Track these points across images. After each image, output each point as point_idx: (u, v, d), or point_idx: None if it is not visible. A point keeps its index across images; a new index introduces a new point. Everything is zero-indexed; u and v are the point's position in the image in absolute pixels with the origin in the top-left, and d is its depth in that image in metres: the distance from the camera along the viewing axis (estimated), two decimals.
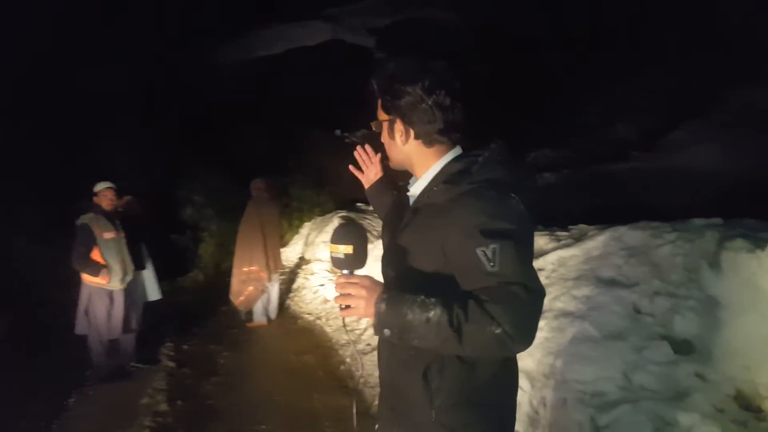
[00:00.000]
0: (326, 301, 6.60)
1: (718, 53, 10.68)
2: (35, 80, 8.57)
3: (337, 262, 1.29)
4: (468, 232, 1.15)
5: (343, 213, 8.99)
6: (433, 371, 1.25)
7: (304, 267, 8.32)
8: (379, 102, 1.37)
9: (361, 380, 3.90)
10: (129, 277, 4.73)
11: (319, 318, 6.18)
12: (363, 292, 1.19)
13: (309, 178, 11.86)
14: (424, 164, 1.35)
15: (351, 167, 1.73)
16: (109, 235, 4.51)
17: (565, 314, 2.61)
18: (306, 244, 9.04)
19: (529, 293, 1.11)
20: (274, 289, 6.49)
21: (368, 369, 4.10)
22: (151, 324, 5.90)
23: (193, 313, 7.03)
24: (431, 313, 1.11)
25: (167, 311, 6.69)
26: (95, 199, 4.60)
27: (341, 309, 1.23)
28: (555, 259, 3.18)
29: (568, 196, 8.26)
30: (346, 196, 11.14)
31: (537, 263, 3.31)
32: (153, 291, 5.65)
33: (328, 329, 5.74)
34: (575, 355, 2.34)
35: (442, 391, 1.25)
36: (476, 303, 1.10)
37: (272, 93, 14.03)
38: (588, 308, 2.53)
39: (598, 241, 3.02)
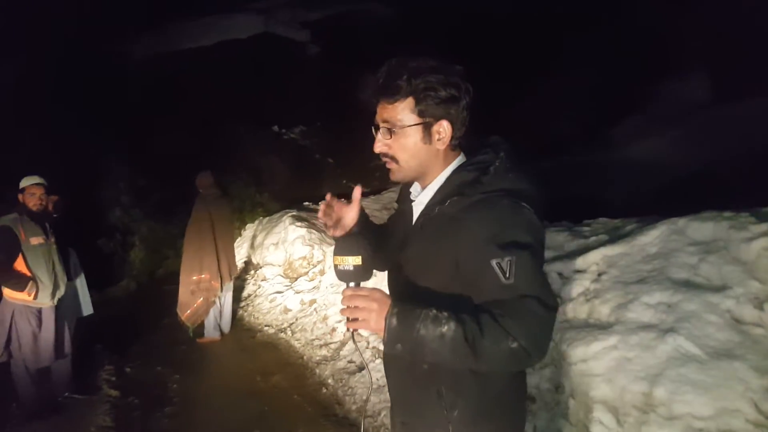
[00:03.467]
0: (287, 310, 6.01)
1: (640, 50, 11.09)
2: None
3: (344, 275, 1.21)
4: (482, 243, 1.13)
5: (293, 212, 8.39)
6: (447, 386, 1.23)
7: (253, 272, 7.65)
8: (411, 102, 1.21)
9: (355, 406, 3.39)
10: (61, 292, 3.95)
11: (282, 330, 5.58)
12: (374, 305, 1.13)
13: (248, 176, 11.20)
14: (437, 171, 1.28)
15: (330, 232, 1.42)
16: (36, 240, 3.74)
17: (644, 327, 2.24)
18: (253, 247, 8.35)
19: (543, 307, 1.10)
20: (227, 300, 5.80)
21: (359, 392, 3.61)
22: (85, 344, 5.09)
23: (131, 328, 6.20)
24: (445, 328, 1.08)
25: (101, 328, 5.85)
26: (20, 197, 3.79)
27: (348, 321, 1.17)
28: (599, 259, 2.82)
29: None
30: (286, 195, 10.62)
31: (576, 264, 2.98)
32: (86, 305, 4.88)
33: (296, 343, 5.16)
34: (679, 381, 1.88)
35: (458, 406, 1.23)
36: (491, 317, 1.08)
37: (201, 87, 13.15)
38: (675, 319, 2.16)
39: (652, 236, 2.67)
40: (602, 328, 2.42)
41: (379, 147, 1.27)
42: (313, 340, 5.03)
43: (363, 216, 1.43)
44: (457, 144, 1.27)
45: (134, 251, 8.89)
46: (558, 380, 2.57)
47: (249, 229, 9.37)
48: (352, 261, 1.20)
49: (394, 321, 1.12)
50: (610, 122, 11.38)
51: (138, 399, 4.24)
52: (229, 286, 5.78)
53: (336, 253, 1.22)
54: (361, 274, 1.20)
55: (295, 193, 10.72)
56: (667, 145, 9.34)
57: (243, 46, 16.00)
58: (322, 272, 6.33)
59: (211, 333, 5.64)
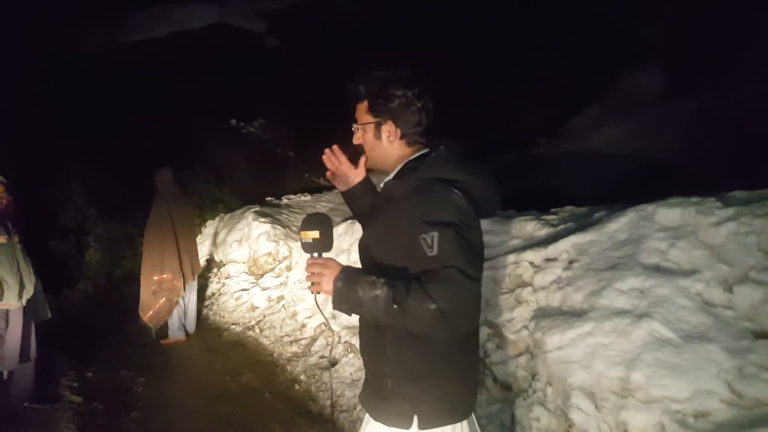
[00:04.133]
0: (254, 307, 5.91)
1: (596, 43, 11.37)
2: None
3: (306, 247, 1.47)
4: (413, 221, 1.31)
5: (256, 208, 8.23)
6: (391, 346, 1.41)
7: (216, 270, 7.48)
8: (366, 105, 1.48)
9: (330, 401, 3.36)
10: (29, 292, 3.81)
11: (249, 328, 5.48)
12: (326, 271, 1.37)
13: (207, 172, 10.94)
14: (397, 162, 1.49)
15: (328, 174, 1.67)
16: None
17: (619, 313, 2.28)
18: (215, 245, 8.16)
19: (463, 276, 1.25)
20: (191, 299, 5.66)
21: (333, 388, 3.58)
22: (44, 350, 4.86)
23: (90, 331, 5.97)
24: (378, 291, 1.28)
25: (59, 333, 5.60)
26: None
27: (310, 286, 1.43)
28: (569, 247, 2.87)
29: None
30: (248, 191, 10.43)
31: (546, 252, 3.02)
32: (43, 309, 4.64)
33: (265, 341, 5.08)
34: (656, 365, 1.95)
35: (398, 364, 1.41)
36: (417, 283, 1.25)
37: (154, 80, 12.71)
38: (648, 304, 2.20)
39: (621, 223, 2.72)
40: (577, 315, 2.47)
41: (354, 139, 1.54)
42: (283, 336, 4.96)
43: (368, 181, 1.66)
44: (415, 140, 1.48)
45: (90, 252, 8.52)
46: (534, 368, 2.61)
47: (210, 227, 9.16)
48: (311, 235, 1.46)
49: (339, 284, 1.35)
50: (570, 114, 11.63)
51: (102, 404, 4.09)
52: (192, 285, 5.63)
53: (301, 228, 1.50)
54: (320, 246, 1.46)
55: (257, 189, 10.52)
56: (624, 135, 9.63)
57: (196, 36, 15.51)
58: (288, 268, 6.24)
59: (175, 333, 5.49)
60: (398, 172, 1.48)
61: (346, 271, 1.37)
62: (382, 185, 1.53)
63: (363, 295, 1.30)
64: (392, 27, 14.34)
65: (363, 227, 1.64)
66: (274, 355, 4.73)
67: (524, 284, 3.08)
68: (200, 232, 9.20)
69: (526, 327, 2.82)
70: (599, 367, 2.16)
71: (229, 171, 11.53)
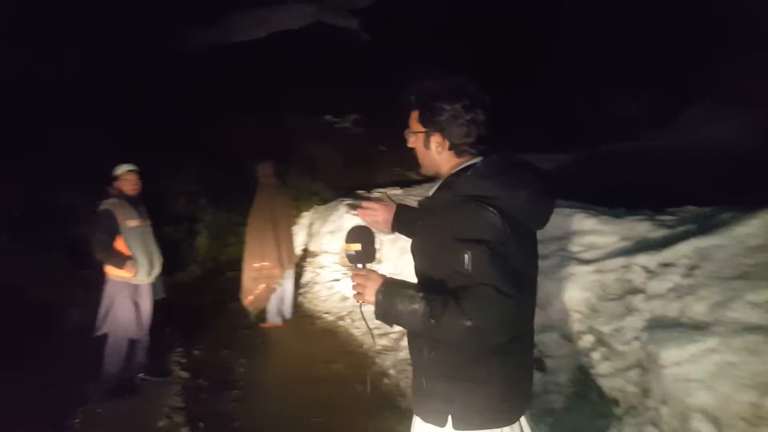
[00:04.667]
0: (345, 298, 6.03)
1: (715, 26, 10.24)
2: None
3: (351, 258, 1.54)
4: (447, 238, 1.36)
5: (349, 201, 8.38)
6: (428, 347, 1.48)
7: (310, 260, 7.71)
8: (417, 114, 1.53)
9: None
10: (156, 271, 4.25)
11: (341, 318, 5.60)
12: (368, 283, 1.43)
13: (303, 165, 11.31)
14: (446, 171, 1.53)
15: (370, 227, 1.68)
16: (133, 222, 4.00)
17: (751, 329, 2.03)
18: (309, 235, 8.43)
19: (498, 293, 1.28)
20: (288, 286, 5.90)
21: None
22: (156, 326, 5.28)
23: (198, 311, 6.40)
24: (416, 306, 1.34)
25: (171, 310, 6.06)
26: (116, 183, 4.05)
27: (355, 296, 1.48)
28: (690, 251, 2.60)
29: (585, 177, 7.81)
30: (340, 183, 10.64)
31: (662, 256, 2.77)
32: (159, 288, 5.05)
33: (355, 332, 5.16)
34: None
35: (432, 364, 1.49)
36: (453, 299, 1.31)
37: (256, 78, 13.34)
38: None
39: (752, 227, 2.44)
40: (698, 328, 2.23)
41: (408, 143, 1.60)
42: (373, 329, 4.99)
43: (400, 211, 1.79)
44: (464, 151, 1.51)
45: (200, 238, 9.16)
46: (646, 384, 2.40)
47: (305, 218, 9.46)
48: (354, 247, 1.52)
49: (380, 296, 1.41)
50: (677, 103, 10.67)
51: (206, 381, 4.36)
52: (289, 273, 5.85)
53: (345, 240, 1.56)
54: (362, 257, 1.52)
55: (349, 182, 10.74)
56: (742, 127, 8.70)
57: (295, 36, 16.09)
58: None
59: (273, 318, 5.74)
60: (439, 186, 1.53)
61: (387, 284, 1.43)
62: (431, 192, 1.58)
63: (402, 309, 1.36)
64: (479, 20, 14.00)
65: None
66: (364, 346, 4.79)
67: (635, 291, 2.87)
68: (296, 223, 9.56)
69: (637, 338, 2.63)
70: (725, 388, 1.94)
71: (324, 164, 11.85)
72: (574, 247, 3.61)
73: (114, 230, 3.91)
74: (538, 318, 3.67)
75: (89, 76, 9.60)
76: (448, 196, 1.44)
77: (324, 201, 9.69)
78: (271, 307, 5.75)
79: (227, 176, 10.10)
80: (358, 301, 1.50)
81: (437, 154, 1.52)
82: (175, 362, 4.67)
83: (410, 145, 1.59)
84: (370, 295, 1.43)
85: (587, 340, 3.08)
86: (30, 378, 4.42)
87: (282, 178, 6.08)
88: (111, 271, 4.02)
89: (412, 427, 1.61)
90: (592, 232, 3.64)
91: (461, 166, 1.50)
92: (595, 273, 3.26)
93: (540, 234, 4.07)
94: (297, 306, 6.33)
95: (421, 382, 1.53)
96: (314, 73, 13.71)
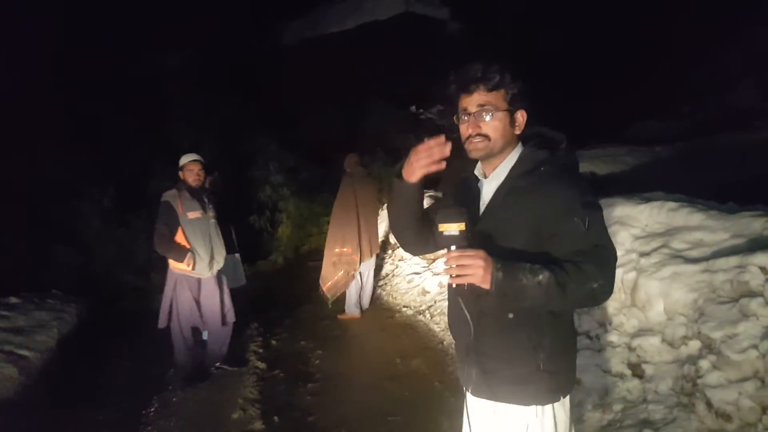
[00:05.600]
0: (425, 292, 5.76)
1: None
2: (104, 62, 8.35)
3: (448, 240, 1.38)
4: (565, 204, 1.39)
5: (431, 192, 8.07)
6: (533, 330, 1.47)
7: (391, 252, 7.52)
8: (503, 93, 1.49)
9: None
10: (219, 264, 4.09)
11: (420, 313, 5.35)
12: (481, 263, 1.31)
13: (387, 156, 11.15)
14: (508, 152, 1.54)
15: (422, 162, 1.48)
16: (194, 214, 3.89)
17: None
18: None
19: (611, 253, 1.39)
20: (369, 277, 5.75)
21: None
22: (237, 314, 5.33)
23: (277, 301, 6.44)
24: (540, 277, 1.31)
25: (250, 299, 6.14)
26: (180, 174, 3.98)
27: (453, 278, 1.35)
28: None
29: (686, 171, 7.04)
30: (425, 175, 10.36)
31: None
32: (240, 277, 5.09)
33: (435, 327, 4.88)
34: None
35: (544, 345, 1.47)
36: (573, 265, 1.32)
37: (344, 70, 13.38)
38: None
39: None
40: None
41: (473, 128, 1.49)
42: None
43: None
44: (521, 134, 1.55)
45: (282, 228, 9.27)
46: (765, 399, 2.07)
47: (386, 209, 9.29)
48: (457, 227, 1.37)
49: (500, 274, 1.31)
50: None
51: (283, 373, 4.28)
52: (370, 263, 5.70)
53: (440, 221, 1.39)
54: (464, 238, 1.37)
55: (433, 174, 10.43)
56: None
57: (384, 26, 16.02)
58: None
59: (351, 310, 5.62)
60: (522, 160, 1.52)
61: (502, 261, 1.34)
62: (494, 175, 1.55)
63: (527, 283, 1.31)
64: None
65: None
66: (444, 343, 4.50)
67: (752, 294, 2.55)
68: (381, 213, 9.42)
69: (755, 347, 2.35)
70: None
71: (407, 156, 11.63)
72: (679, 244, 3.23)
73: (174, 222, 3.82)
74: (636, 320, 3.26)
75: (193, 71, 10.12)
76: (551, 171, 1.45)
77: None
78: (350, 299, 5.62)
79: (311, 166, 10.20)
80: (457, 285, 1.37)
81: (516, 133, 1.53)
82: (252, 352, 4.63)
83: (487, 124, 1.48)
84: (486, 274, 1.31)
85: (693, 347, 2.73)
86: (118, 361, 4.61)
87: (367, 168, 5.94)
88: (172, 263, 3.95)
89: (498, 424, 1.56)
90: (699, 228, 3.24)
91: (519, 147, 1.54)
92: (703, 273, 2.89)
93: (640, 230, 3.60)
94: (376, 298, 6.17)
95: (534, 365, 1.48)
96: (401, 64, 13.54)
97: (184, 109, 8.95)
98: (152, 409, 3.63)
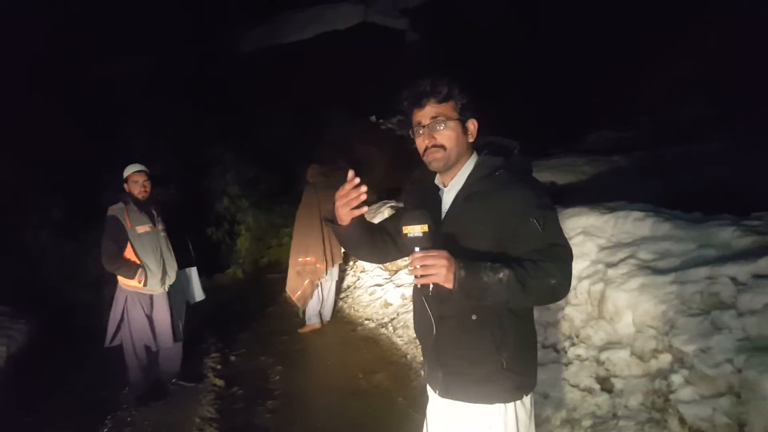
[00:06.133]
0: (387, 304, 5.74)
1: None
2: (58, 66, 8.00)
3: (412, 242, 1.43)
4: (522, 205, 1.46)
5: (392, 203, 8.10)
6: (495, 329, 1.53)
7: (352, 263, 7.47)
8: (453, 104, 1.56)
9: None
10: (171, 279, 3.93)
11: (383, 325, 5.31)
12: (444, 262, 1.37)
13: (348, 166, 11.08)
14: (464, 161, 1.61)
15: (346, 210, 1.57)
16: (142, 228, 3.72)
17: None
18: None
19: (566, 251, 1.47)
20: (330, 287, 5.69)
21: None
22: (193, 329, 5.16)
23: (236, 315, 6.28)
24: (501, 274, 1.37)
25: (208, 313, 5.97)
26: (125, 186, 3.79)
27: (418, 278, 1.40)
28: None
29: (644, 180, 7.28)
30: (384, 185, 10.40)
31: (756, 266, 2.45)
32: (197, 291, 4.92)
33: (398, 340, 4.86)
34: None
35: (508, 344, 1.53)
36: (532, 263, 1.40)
37: (302, 79, 13.29)
38: None
39: None
40: None
41: (429, 139, 1.56)
42: (416, 338, 4.69)
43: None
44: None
45: (240, 240, 9.08)
46: (742, 415, 2.03)
47: None
48: (420, 229, 1.42)
49: (463, 273, 1.37)
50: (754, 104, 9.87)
51: (242, 390, 4.17)
52: (333, 273, 5.66)
53: (404, 224, 1.45)
54: (428, 240, 1.42)
55: (393, 184, 10.47)
56: None
57: (342, 36, 16.03)
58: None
59: (312, 321, 5.58)
60: (482, 166, 1.57)
61: (464, 260, 1.39)
62: (452, 184, 1.61)
63: (488, 280, 1.37)
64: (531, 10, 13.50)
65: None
66: (408, 356, 4.49)
67: (723, 306, 2.51)
68: None
69: (729, 361, 2.28)
70: None
71: (368, 165, 11.65)
72: (647, 254, 3.26)
73: (122, 237, 3.65)
74: (604, 332, 3.32)
75: (149, 78, 9.81)
76: (506, 176, 1.52)
77: (367, 203, 9.40)
78: (311, 308, 5.58)
79: (270, 177, 10.04)
80: (420, 285, 1.44)
81: (469, 141, 1.59)
82: (210, 368, 4.50)
83: (441, 138, 1.55)
84: (448, 273, 1.36)
85: (664, 360, 2.74)
86: (69, 379, 4.38)
87: (329, 178, 5.90)
88: (121, 280, 3.78)
89: (463, 424, 1.59)
90: (666, 238, 3.28)
91: (474, 156, 1.62)
92: (672, 284, 2.91)
93: (605, 240, 3.67)
94: (337, 310, 6.10)
95: (497, 364, 1.53)
96: (361, 73, 13.56)
97: (139, 117, 8.65)
98: (105, 430, 3.45)
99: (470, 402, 1.58)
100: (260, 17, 16.01)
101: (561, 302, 3.65)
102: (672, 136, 9.76)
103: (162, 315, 3.87)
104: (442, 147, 1.56)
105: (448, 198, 1.63)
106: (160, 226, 3.86)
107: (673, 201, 4.10)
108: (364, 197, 1.52)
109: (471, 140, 1.59)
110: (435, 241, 1.44)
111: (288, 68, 13.53)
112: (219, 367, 4.57)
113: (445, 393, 1.63)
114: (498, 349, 1.52)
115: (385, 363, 4.51)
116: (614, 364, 2.97)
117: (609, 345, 3.08)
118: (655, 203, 3.94)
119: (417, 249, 1.42)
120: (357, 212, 1.55)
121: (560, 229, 1.48)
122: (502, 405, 1.54)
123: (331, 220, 1.63)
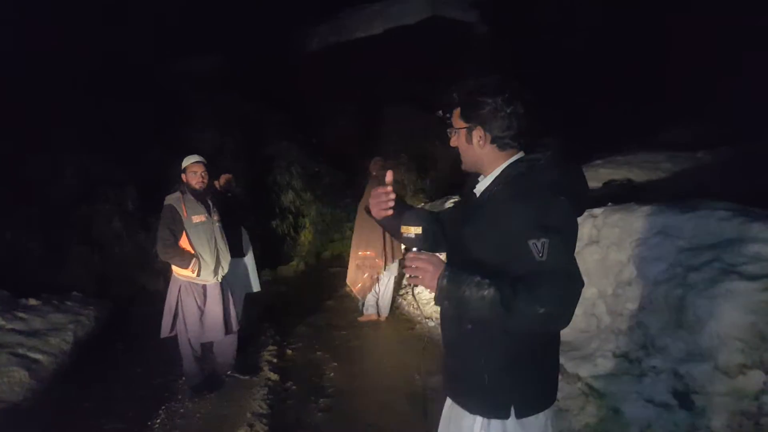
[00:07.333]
0: None
1: None
2: (131, 64, 8.38)
3: (408, 242, 1.52)
4: (523, 225, 1.35)
5: (455, 198, 7.83)
6: (485, 343, 1.48)
7: None
8: (458, 111, 1.55)
9: None
10: (224, 270, 3.91)
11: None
12: (430, 267, 1.40)
13: (411, 161, 10.99)
14: (494, 165, 1.53)
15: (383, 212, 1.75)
16: (198, 218, 3.71)
17: None
18: None
19: (569, 280, 1.34)
20: (388, 282, 5.58)
21: None
22: (252, 320, 5.20)
23: (296, 307, 6.27)
24: (485, 292, 1.31)
25: (269, 305, 6.00)
26: (183, 176, 3.80)
27: (409, 278, 1.44)
28: None
29: (729, 177, 6.61)
30: (448, 181, 10.16)
31: None
32: (254, 282, 4.96)
33: None
34: None
35: (492, 359, 1.48)
36: (525, 286, 1.30)
37: (370, 74, 13.26)
38: None
39: None
40: None
41: (450, 142, 1.60)
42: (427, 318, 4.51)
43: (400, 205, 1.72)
44: (506, 144, 1.50)
45: (304, 233, 9.16)
46: None
47: None
48: (414, 230, 1.49)
49: (445, 281, 1.36)
50: None
51: (295, 385, 4.10)
52: (391, 269, 5.55)
53: (403, 223, 1.53)
54: (422, 241, 1.49)
55: (456, 179, 10.19)
56: None
57: (411, 31, 15.85)
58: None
59: (369, 311, 5.58)
60: (502, 176, 1.50)
61: (451, 269, 1.38)
62: (478, 187, 1.57)
63: (469, 295, 1.33)
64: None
65: (450, 221, 1.71)
66: None
67: None
68: None
69: None
70: None
71: (432, 161, 11.45)
72: (734, 257, 2.91)
73: (178, 227, 3.64)
74: (683, 343, 2.97)
75: (218, 75, 10.16)
76: (521, 184, 1.44)
77: (431, 198, 9.29)
78: (369, 300, 5.56)
79: (334, 171, 10.08)
80: (411, 285, 1.34)
81: (479, 148, 1.52)
82: (266, 361, 4.47)
83: (452, 143, 1.59)
84: (432, 279, 1.38)
85: (754, 378, 2.43)
86: (129, 370, 4.50)
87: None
88: (175, 269, 3.77)
89: (457, 427, 1.59)
90: (755, 240, 2.92)
91: (511, 159, 1.51)
92: (763, 291, 2.59)
93: (686, 241, 3.29)
94: (395, 307, 5.96)
95: (481, 378, 1.50)
96: (429, 67, 13.35)
97: (207, 112, 8.92)
98: (157, 421, 3.48)
99: (458, 405, 1.60)
100: (326, 14, 16.15)
101: (634, 307, 3.32)
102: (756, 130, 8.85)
103: (214, 306, 3.85)
104: (459, 152, 1.59)
105: (478, 195, 1.62)
106: (215, 217, 3.85)
107: (762, 200, 3.65)
108: (391, 203, 1.68)
109: (481, 148, 1.52)
110: (428, 243, 1.53)
111: (354, 64, 13.56)
112: (275, 360, 4.53)
113: (445, 389, 1.69)
114: (484, 362, 1.49)
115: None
116: (695, 379, 2.67)
117: (689, 357, 2.76)
118: (743, 202, 3.51)
119: (414, 249, 1.47)
120: (385, 213, 1.69)
121: (567, 254, 1.36)
122: (483, 419, 1.52)
123: (370, 212, 1.77)
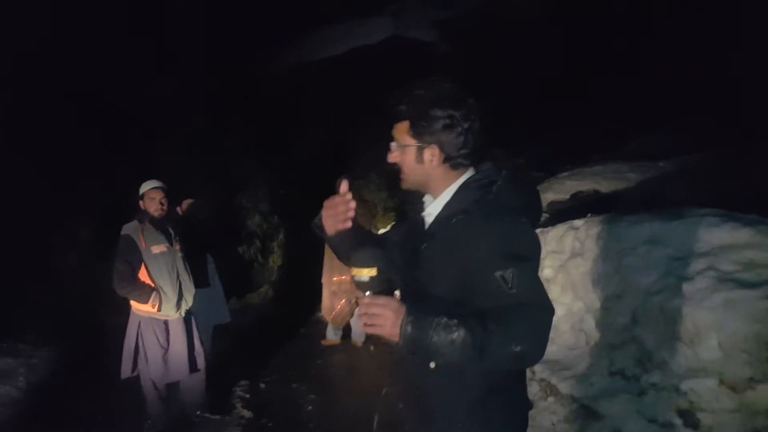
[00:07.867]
0: None
1: None
2: (92, 89, 8.03)
3: (360, 285, 1.28)
4: (487, 256, 1.22)
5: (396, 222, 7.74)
6: (454, 377, 1.32)
7: None
8: (407, 125, 1.37)
9: None
10: (188, 303, 3.63)
11: None
12: (389, 314, 1.18)
13: (380, 180, 10.92)
14: (444, 185, 1.39)
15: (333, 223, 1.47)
16: (158, 248, 3.44)
17: None
18: None
19: (543, 312, 1.21)
20: None
21: None
22: (221, 354, 4.88)
23: (268, 337, 5.97)
24: (455, 335, 1.15)
25: (238, 336, 5.69)
26: (141, 203, 3.53)
27: (366, 326, 1.23)
28: None
29: (695, 185, 6.72)
30: (417, 200, 10.08)
31: None
32: (222, 313, 4.67)
33: None
34: None
35: (464, 393, 1.34)
36: (496, 324, 1.15)
37: (334, 93, 13.21)
38: None
39: None
40: None
41: (390, 158, 1.43)
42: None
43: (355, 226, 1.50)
44: (459, 164, 1.37)
45: (272, 258, 8.87)
46: None
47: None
48: (367, 273, 1.27)
49: (409, 329, 1.17)
50: None
51: (271, 422, 3.85)
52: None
53: (353, 264, 1.30)
54: (377, 284, 1.27)
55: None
56: None
57: (373, 50, 15.94)
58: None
59: (330, 336, 5.51)
60: (455, 199, 1.37)
61: (414, 313, 1.18)
62: (428, 210, 1.44)
63: (437, 341, 1.15)
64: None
65: (398, 249, 1.51)
66: None
67: None
68: None
69: None
70: None
71: (398, 180, 11.37)
72: (728, 265, 2.81)
73: (136, 258, 3.38)
74: (683, 357, 2.86)
75: (179, 98, 9.85)
76: (478, 209, 1.30)
77: (402, 218, 9.17)
78: (357, 326, 5.39)
79: (302, 193, 9.86)
80: (369, 334, 1.33)
81: (431, 169, 1.37)
82: (238, 397, 4.18)
83: (393, 159, 1.42)
84: (393, 326, 1.17)
85: (764, 393, 2.31)
86: (89, 415, 4.13)
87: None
88: (134, 304, 3.49)
89: None
90: (749, 246, 2.84)
91: (462, 179, 1.38)
92: (765, 299, 2.49)
93: (675, 249, 3.21)
94: None
95: (453, 414, 1.35)
96: (389, 87, 13.32)
97: (169, 137, 8.60)
98: None
99: None
100: (290, 35, 16.08)
101: (625, 321, 3.21)
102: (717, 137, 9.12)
103: (178, 343, 3.56)
104: (401, 170, 1.42)
105: (428, 221, 1.44)
106: (177, 246, 3.58)
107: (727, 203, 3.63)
108: (352, 213, 1.44)
109: (433, 169, 1.36)
110: (384, 284, 1.28)
111: (319, 85, 13.48)
112: (248, 395, 4.25)
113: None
114: (455, 396, 1.35)
115: None
116: (699, 395, 2.53)
117: (691, 372, 2.63)
118: (710, 207, 3.46)
119: (368, 293, 1.25)
120: (342, 226, 1.44)
121: (536, 282, 1.23)
122: None
123: (319, 226, 1.51)
